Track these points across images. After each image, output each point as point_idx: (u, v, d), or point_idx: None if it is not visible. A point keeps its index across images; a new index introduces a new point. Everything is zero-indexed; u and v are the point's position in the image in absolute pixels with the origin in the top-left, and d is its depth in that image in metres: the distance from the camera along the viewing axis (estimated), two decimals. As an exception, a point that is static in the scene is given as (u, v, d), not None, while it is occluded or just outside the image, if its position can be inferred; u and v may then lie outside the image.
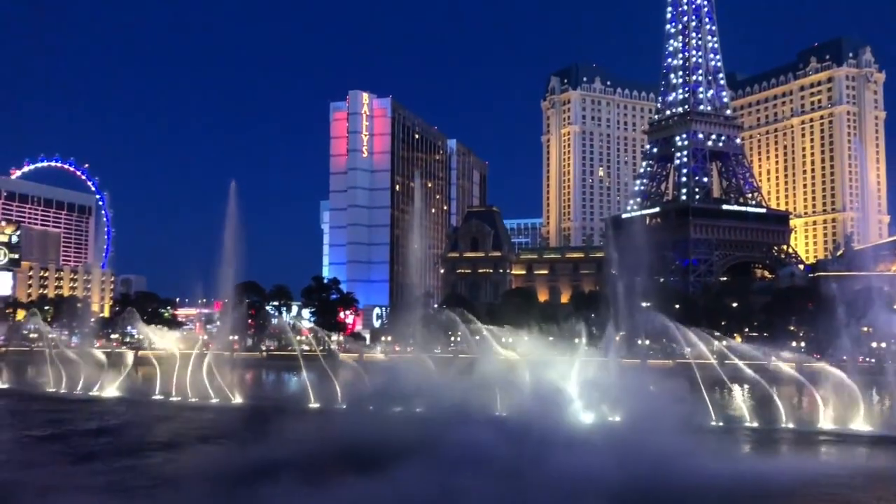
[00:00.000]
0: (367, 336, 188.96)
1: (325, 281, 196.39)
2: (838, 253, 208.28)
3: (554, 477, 34.57)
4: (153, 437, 51.85)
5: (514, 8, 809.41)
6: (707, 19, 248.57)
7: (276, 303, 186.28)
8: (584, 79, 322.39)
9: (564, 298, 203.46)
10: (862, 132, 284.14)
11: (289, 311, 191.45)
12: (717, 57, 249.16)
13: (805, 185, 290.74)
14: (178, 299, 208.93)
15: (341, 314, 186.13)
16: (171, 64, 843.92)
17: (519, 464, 36.79)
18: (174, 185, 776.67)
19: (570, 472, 34.67)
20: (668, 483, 33.72)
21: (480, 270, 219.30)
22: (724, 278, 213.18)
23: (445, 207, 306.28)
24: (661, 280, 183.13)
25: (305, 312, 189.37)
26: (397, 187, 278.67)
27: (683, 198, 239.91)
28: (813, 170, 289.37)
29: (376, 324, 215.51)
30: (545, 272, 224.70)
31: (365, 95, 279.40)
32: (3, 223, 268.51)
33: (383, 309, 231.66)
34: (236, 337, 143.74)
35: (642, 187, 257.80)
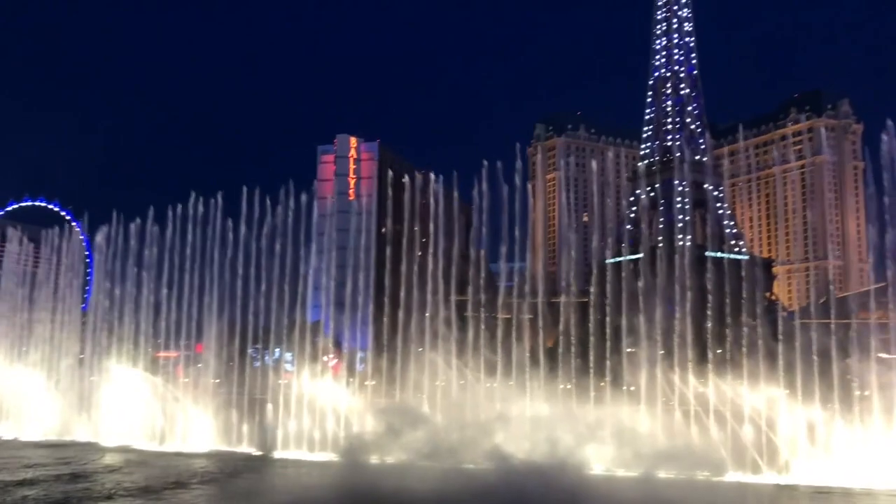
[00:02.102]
0: (351, 381, 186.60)
1: (309, 324, 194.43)
2: (821, 300, 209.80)
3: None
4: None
5: (502, 56, 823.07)
6: (690, 69, 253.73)
7: (258, 346, 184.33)
8: (569, 126, 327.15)
9: (549, 342, 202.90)
10: (842, 182, 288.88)
11: (271, 354, 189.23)
12: (700, 106, 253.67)
13: (787, 233, 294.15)
14: (159, 340, 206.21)
15: (324, 358, 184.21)
16: (149, 105, 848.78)
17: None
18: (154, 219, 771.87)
19: None
20: None
21: (465, 314, 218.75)
22: (708, 324, 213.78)
23: (431, 251, 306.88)
24: (646, 325, 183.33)
25: (287, 356, 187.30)
26: (383, 230, 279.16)
27: (667, 244, 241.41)
28: (794, 218, 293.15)
29: (360, 368, 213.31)
30: (531, 316, 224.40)
31: (353, 139, 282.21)
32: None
33: (368, 353, 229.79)
34: (218, 380, 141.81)
35: (626, 233, 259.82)
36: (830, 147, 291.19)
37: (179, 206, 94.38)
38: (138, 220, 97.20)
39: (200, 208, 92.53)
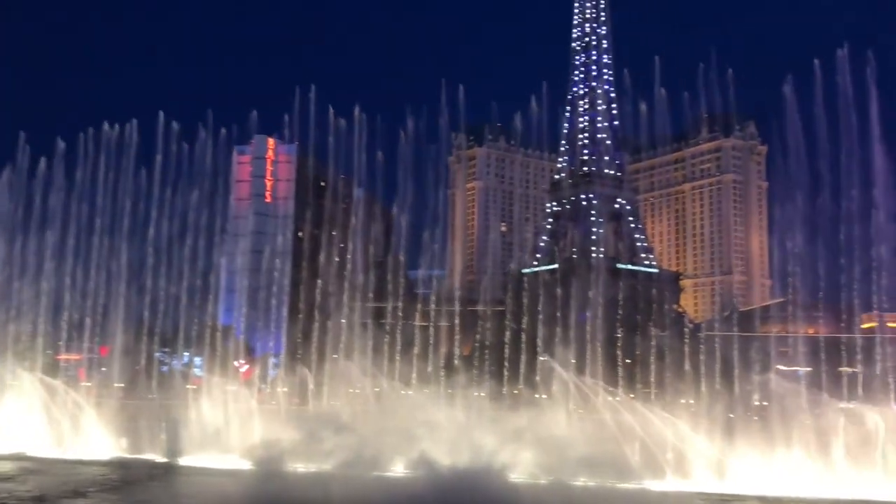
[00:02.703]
0: (262, 386, 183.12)
1: (220, 328, 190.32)
2: (725, 313, 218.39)
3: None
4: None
5: (421, 61, 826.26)
6: (607, 86, 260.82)
7: (166, 349, 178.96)
8: (490, 136, 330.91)
9: (466, 350, 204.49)
10: (746, 200, 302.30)
11: (180, 358, 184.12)
12: (616, 122, 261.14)
13: (695, 248, 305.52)
14: (60, 343, 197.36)
15: (235, 363, 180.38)
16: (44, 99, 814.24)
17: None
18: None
19: None
20: None
21: (382, 321, 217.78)
22: (619, 334, 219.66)
23: (349, 256, 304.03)
24: (560, 334, 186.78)
25: (197, 360, 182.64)
26: (300, 234, 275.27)
27: (581, 255, 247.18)
28: (702, 233, 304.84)
29: (272, 373, 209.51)
30: (447, 324, 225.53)
31: (270, 140, 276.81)
32: None
33: (280, 358, 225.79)
34: (123, 385, 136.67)
35: (543, 244, 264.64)
36: (737, 167, 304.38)
37: (84, 201, 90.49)
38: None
39: (107, 200, 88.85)
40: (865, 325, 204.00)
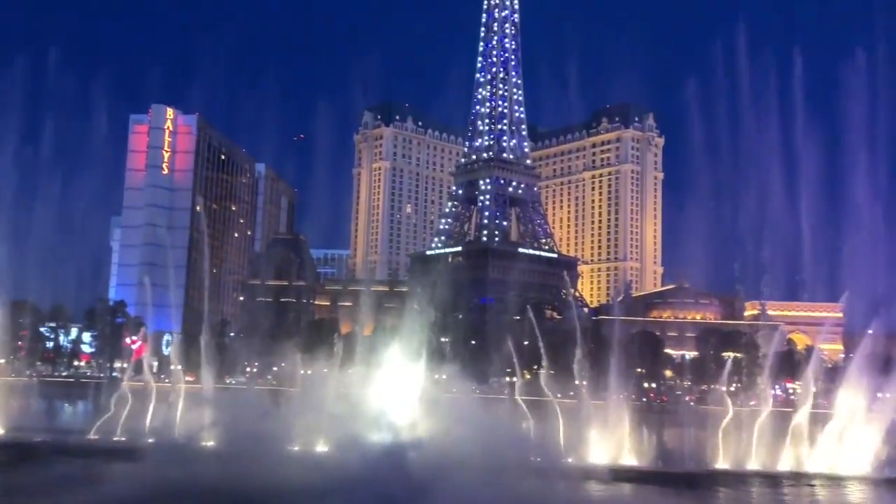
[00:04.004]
0: (156, 363, 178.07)
1: (112, 303, 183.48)
2: (619, 299, 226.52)
3: None
4: None
5: (332, 39, 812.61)
6: (514, 73, 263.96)
7: (52, 324, 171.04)
8: (398, 117, 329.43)
9: (368, 331, 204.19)
10: (643, 190, 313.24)
11: (67, 334, 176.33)
12: (521, 109, 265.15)
13: (592, 235, 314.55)
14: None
15: (127, 339, 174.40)
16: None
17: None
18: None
19: None
20: None
21: (283, 299, 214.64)
22: (518, 317, 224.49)
23: (249, 233, 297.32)
24: (460, 316, 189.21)
25: (87, 336, 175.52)
26: (199, 208, 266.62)
27: (484, 239, 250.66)
28: (600, 221, 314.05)
29: (167, 351, 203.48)
30: (349, 304, 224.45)
31: (169, 110, 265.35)
32: None
33: (175, 335, 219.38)
34: (2, 361, 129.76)
35: (447, 226, 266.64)
36: (634, 157, 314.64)
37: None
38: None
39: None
40: (748, 313, 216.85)
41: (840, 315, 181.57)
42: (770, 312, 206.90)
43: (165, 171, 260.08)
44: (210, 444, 53.98)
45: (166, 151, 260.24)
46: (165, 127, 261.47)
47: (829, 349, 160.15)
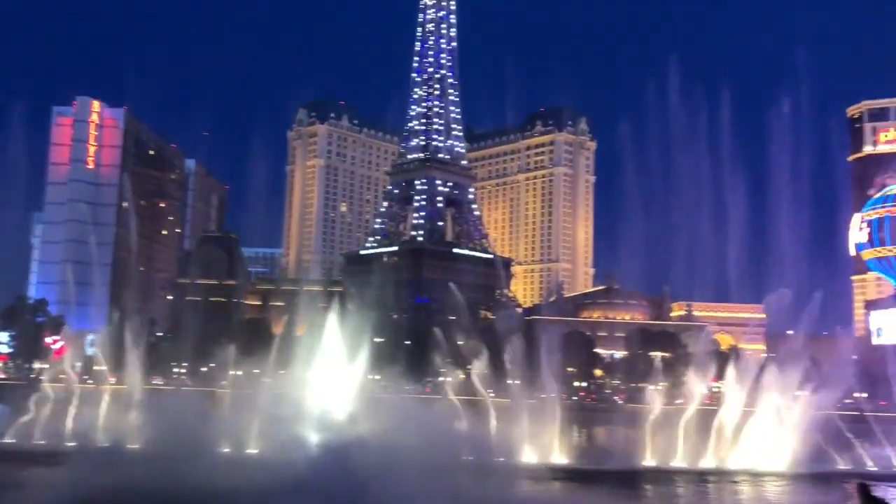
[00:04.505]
0: (79, 364, 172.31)
1: (32, 301, 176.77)
2: (551, 299, 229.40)
3: None
4: None
5: (268, 34, 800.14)
6: (450, 73, 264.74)
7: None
8: (333, 114, 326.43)
9: (301, 330, 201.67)
10: (575, 193, 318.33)
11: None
12: (458, 110, 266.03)
13: (526, 236, 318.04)
14: None
15: (48, 339, 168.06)
16: None
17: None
18: None
19: None
20: None
21: (212, 298, 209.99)
22: (453, 317, 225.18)
23: (178, 230, 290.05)
24: (395, 316, 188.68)
25: (4, 336, 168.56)
26: (125, 204, 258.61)
27: (419, 239, 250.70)
28: (534, 222, 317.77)
29: (90, 351, 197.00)
30: (281, 303, 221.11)
31: (95, 103, 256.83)
32: None
33: (99, 335, 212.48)
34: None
35: (382, 226, 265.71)
36: (568, 160, 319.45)
37: None
38: None
39: None
40: (675, 314, 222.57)
41: (763, 316, 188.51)
42: (696, 313, 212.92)
43: (91, 166, 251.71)
44: (135, 446, 52.48)
45: (92, 145, 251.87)
46: (91, 120, 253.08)
47: (752, 349, 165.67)
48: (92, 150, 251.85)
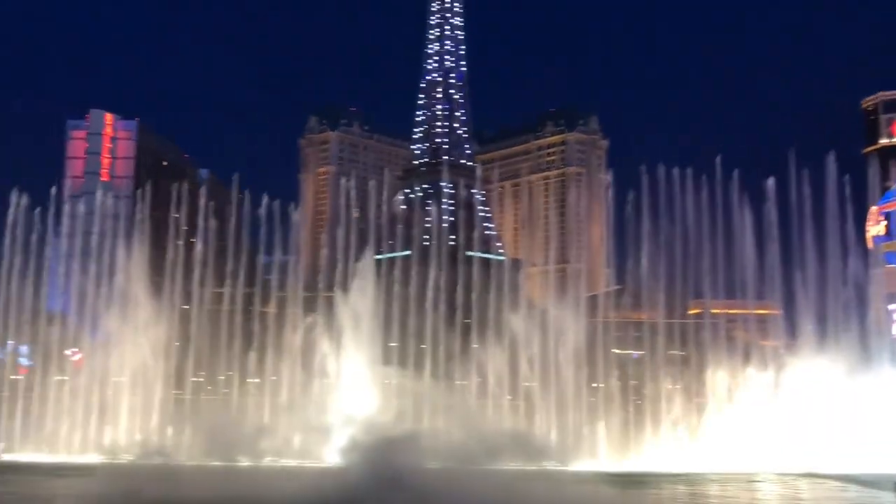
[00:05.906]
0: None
1: (49, 313, 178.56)
2: (568, 299, 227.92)
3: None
4: None
5: (279, 42, 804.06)
6: (459, 76, 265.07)
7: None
8: (343, 120, 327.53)
9: (321, 337, 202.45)
10: (589, 193, 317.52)
11: (2, 346, 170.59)
12: (467, 112, 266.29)
13: (540, 237, 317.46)
14: None
15: (66, 351, 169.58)
16: None
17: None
18: None
19: None
20: None
21: (229, 307, 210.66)
22: (467, 320, 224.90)
23: (193, 239, 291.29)
24: (410, 320, 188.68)
25: (23, 349, 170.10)
26: (140, 216, 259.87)
27: (432, 243, 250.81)
28: (547, 223, 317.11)
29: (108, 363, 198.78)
30: (298, 310, 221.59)
31: (108, 115, 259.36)
32: None
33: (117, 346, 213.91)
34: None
35: (395, 231, 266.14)
36: (579, 160, 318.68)
37: None
38: None
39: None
40: (692, 312, 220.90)
41: (778, 312, 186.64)
42: (713, 311, 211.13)
43: (105, 178, 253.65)
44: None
45: (106, 158, 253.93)
46: (104, 132, 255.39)
47: (767, 345, 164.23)
48: (106, 162, 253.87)
